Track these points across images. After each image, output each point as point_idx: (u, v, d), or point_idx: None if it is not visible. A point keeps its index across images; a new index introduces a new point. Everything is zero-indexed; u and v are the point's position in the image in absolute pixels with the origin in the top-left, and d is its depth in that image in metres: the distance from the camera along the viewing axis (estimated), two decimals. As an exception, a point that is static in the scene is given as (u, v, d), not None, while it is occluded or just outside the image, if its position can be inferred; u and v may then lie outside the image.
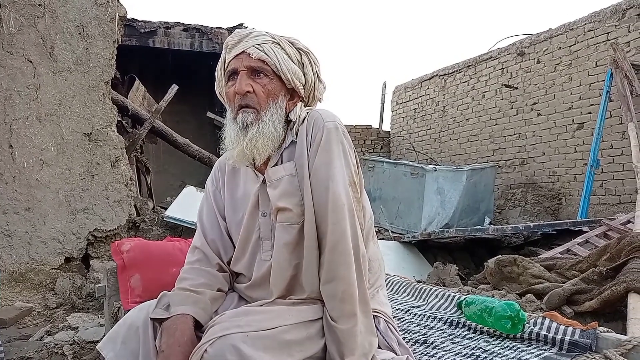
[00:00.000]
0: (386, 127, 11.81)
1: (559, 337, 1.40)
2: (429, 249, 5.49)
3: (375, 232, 1.52)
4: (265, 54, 1.25)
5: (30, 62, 4.35)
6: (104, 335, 1.26)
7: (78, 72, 4.49)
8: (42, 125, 4.35)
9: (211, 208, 1.41)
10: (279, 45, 1.28)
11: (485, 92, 8.67)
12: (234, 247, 1.37)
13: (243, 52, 1.26)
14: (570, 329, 1.44)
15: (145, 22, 7.49)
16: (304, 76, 1.32)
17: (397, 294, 2.11)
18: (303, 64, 1.32)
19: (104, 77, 4.58)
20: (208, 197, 1.44)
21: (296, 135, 1.30)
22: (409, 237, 5.49)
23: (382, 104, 12.08)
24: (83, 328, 3.18)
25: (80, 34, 4.49)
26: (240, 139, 1.26)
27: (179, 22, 7.67)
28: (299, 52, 1.32)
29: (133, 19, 7.38)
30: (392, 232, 6.17)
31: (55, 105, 4.41)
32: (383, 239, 5.80)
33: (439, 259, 5.27)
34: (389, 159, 10.18)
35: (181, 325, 1.13)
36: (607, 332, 1.43)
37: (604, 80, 6.27)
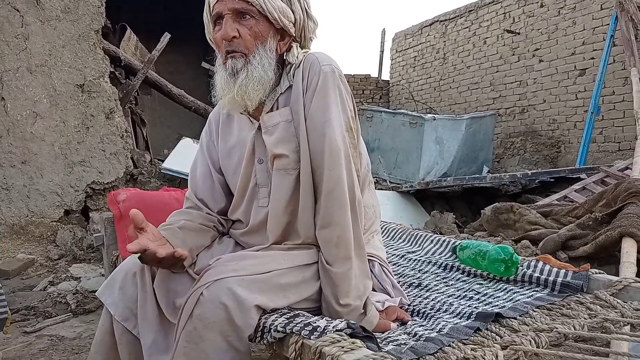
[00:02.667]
0: (385, 76, 11.62)
1: (551, 278, 1.42)
2: (426, 198, 5.52)
3: (374, 182, 1.52)
4: None
5: (17, 10, 4.21)
6: (105, 283, 1.27)
7: (67, 20, 4.35)
8: (33, 76, 4.27)
9: (205, 160, 1.40)
10: None
11: (487, 38, 8.46)
12: (226, 197, 1.38)
13: None
14: (562, 271, 1.45)
15: (134, -33, 7.20)
16: (293, 13, 1.24)
17: (393, 240, 2.13)
18: (290, 0, 1.25)
19: (94, 26, 4.45)
20: (202, 149, 1.42)
21: (292, 78, 1.26)
22: (407, 186, 5.50)
23: (382, 52, 11.81)
24: (85, 278, 3.25)
25: (66, -20, 4.33)
26: (230, 85, 1.21)
27: (170, -32, 7.38)
28: None
29: (122, -36, 7.08)
30: (390, 182, 6.19)
31: (45, 56, 4.30)
32: (381, 189, 5.83)
33: (437, 207, 5.30)
34: (388, 108, 10.06)
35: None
36: (599, 273, 1.45)
37: (608, 25, 6.11)
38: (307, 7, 1.28)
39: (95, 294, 1.27)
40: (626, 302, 1.28)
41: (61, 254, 3.85)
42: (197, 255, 1.28)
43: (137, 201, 1.96)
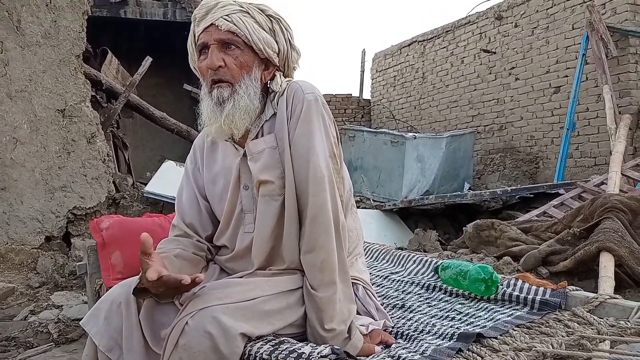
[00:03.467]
0: (367, 95, 11.78)
1: (530, 297, 1.46)
2: (410, 216, 5.57)
3: (357, 201, 1.56)
4: (235, 24, 1.22)
5: (-4, 37, 4.20)
6: (88, 312, 1.27)
7: (47, 46, 4.35)
8: (13, 102, 4.24)
9: (191, 188, 1.41)
10: (249, 13, 1.24)
11: (464, 57, 8.66)
12: (213, 223, 1.39)
13: (212, 24, 1.22)
14: (541, 289, 1.49)
15: (115, -8, 7.24)
16: (277, 44, 1.28)
17: (377, 261, 2.15)
18: (274, 31, 1.28)
19: (74, 51, 4.45)
20: (188, 176, 1.43)
21: (277, 106, 1.29)
22: (390, 205, 5.55)
23: (362, 71, 12.01)
24: (67, 306, 3.19)
25: (47, 5, 4.34)
26: (217, 115, 1.24)
27: (151, -8, 7.43)
28: (270, 20, 1.28)
29: (102, -11, 7.13)
30: (373, 200, 6.24)
31: (26, 81, 4.28)
32: (365, 208, 5.87)
33: (420, 225, 5.35)
34: (370, 127, 10.19)
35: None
36: (576, 290, 1.49)
37: (580, 44, 6.31)
38: (290, 38, 1.32)
39: (80, 323, 1.27)
40: (602, 318, 1.31)
41: (42, 281, 3.79)
42: None
43: (120, 228, 1.95)
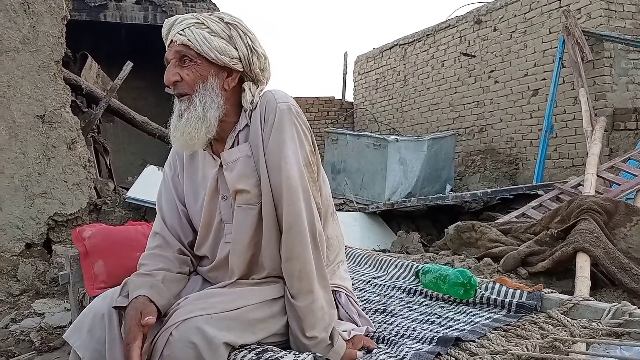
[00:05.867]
0: (349, 97, 11.84)
1: (507, 299, 1.50)
2: (392, 218, 5.62)
3: (341, 203, 1.57)
4: (187, 37, 1.24)
5: (-27, 42, 4.13)
6: (70, 322, 1.27)
7: (26, 51, 4.29)
8: (-10, 108, 4.17)
9: (170, 193, 1.41)
10: (203, 24, 1.25)
11: (445, 60, 8.77)
12: (194, 231, 1.39)
13: (171, 41, 1.26)
14: (518, 292, 1.54)
15: (94, -5, 7.17)
16: (236, 50, 1.28)
17: (360, 266, 2.18)
18: (232, 37, 1.27)
19: (54, 56, 4.39)
20: (166, 182, 1.43)
21: (250, 117, 1.30)
22: (373, 207, 5.60)
23: (345, 74, 12.06)
24: (49, 314, 3.16)
25: (25, 11, 4.28)
26: (177, 127, 1.27)
27: (131, -5, 7.38)
28: (228, 26, 1.28)
29: (81, -8, 7.05)
30: (357, 203, 6.28)
31: (4, 88, 4.22)
32: (348, 210, 5.91)
33: (403, 227, 5.41)
34: (353, 129, 10.25)
35: (139, 306, 1.15)
36: (551, 292, 1.54)
37: (556, 47, 6.44)
38: (250, 42, 1.30)
39: (63, 337, 1.27)
40: (576, 320, 1.36)
41: (23, 289, 3.74)
42: None
43: (103, 237, 1.95)
